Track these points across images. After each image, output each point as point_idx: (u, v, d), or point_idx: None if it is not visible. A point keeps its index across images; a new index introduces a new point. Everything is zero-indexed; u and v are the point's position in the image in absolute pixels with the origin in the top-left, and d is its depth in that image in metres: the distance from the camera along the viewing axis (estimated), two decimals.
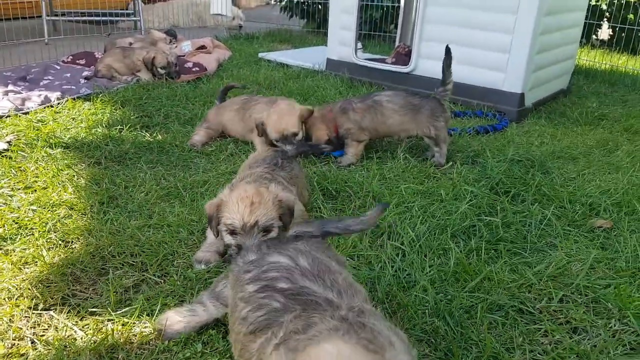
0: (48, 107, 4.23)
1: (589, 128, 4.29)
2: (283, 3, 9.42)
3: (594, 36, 8.30)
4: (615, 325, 1.90)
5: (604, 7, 7.73)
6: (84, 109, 4.22)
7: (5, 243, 2.30)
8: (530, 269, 2.18)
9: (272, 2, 12.52)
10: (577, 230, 2.57)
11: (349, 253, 2.27)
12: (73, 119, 4.00)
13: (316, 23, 9.16)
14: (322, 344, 1.04)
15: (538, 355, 1.74)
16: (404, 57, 5.82)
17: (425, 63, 4.87)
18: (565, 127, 4.31)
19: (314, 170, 3.19)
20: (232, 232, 2.00)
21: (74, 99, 4.47)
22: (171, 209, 2.64)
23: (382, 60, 5.72)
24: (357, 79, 5.43)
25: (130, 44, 6.15)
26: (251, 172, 2.45)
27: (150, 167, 3.20)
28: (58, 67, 5.69)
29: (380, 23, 8.47)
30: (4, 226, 2.41)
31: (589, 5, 6.45)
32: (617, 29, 7.87)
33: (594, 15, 7.00)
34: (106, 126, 3.81)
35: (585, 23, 5.90)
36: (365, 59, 5.55)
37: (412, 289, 2.03)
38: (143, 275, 2.12)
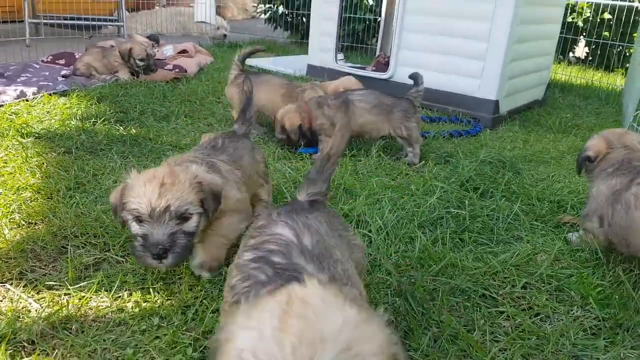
0: (23, 101, 4.18)
1: (562, 135, 4.37)
2: (267, 15, 9.49)
3: (570, 53, 8.51)
4: (577, 312, 1.91)
5: (580, 24, 7.94)
6: (59, 103, 4.18)
7: None
8: (495, 258, 2.20)
9: (257, 14, 12.62)
10: (543, 225, 2.60)
11: None
12: (47, 112, 3.95)
13: (300, 34, 9.25)
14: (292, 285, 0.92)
15: (498, 336, 1.74)
16: (384, 66, 5.89)
17: (403, 70, 4.93)
18: (538, 134, 4.38)
19: (288, 165, 3.19)
20: (139, 220, 1.69)
21: (50, 94, 4.43)
22: None
23: (363, 69, 5.78)
24: None
25: (112, 46, 6.13)
26: (178, 158, 2.07)
27: (122, 157, 3.17)
28: (37, 66, 5.64)
29: (362, 35, 8.59)
30: None
31: (566, 22, 6.64)
32: (592, 46, 8.09)
33: (569, 31, 7.19)
34: (80, 119, 3.78)
35: (561, 38, 6.06)
36: (347, 67, 5.61)
37: (376, 271, 2.03)
38: (105, 254, 2.09)
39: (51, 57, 5.98)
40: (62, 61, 5.90)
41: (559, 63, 7.91)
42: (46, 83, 4.86)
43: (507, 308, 1.89)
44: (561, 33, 5.83)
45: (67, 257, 2.03)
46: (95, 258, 2.05)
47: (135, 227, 1.71)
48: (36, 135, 3.41)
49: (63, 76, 5.24)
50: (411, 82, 3.52)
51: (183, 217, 1.70)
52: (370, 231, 2.31)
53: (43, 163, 2.96)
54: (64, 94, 4.49)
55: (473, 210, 2.62)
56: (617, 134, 2.41)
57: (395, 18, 4.94)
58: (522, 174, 3.26)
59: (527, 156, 3.68)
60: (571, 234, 2.47)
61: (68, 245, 2.13)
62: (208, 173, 1.91)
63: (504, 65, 4.35)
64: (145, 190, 1.65)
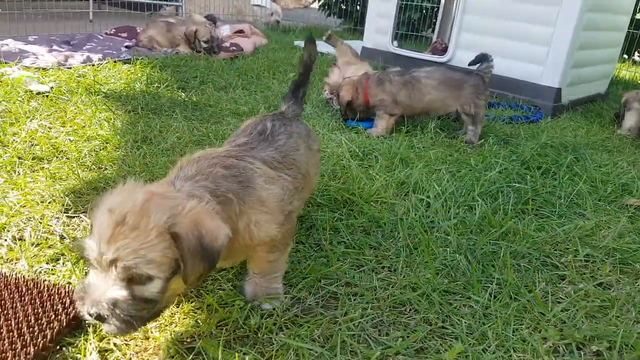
0: (90, 65, 4.36)
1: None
2: (321, 2, 9.52)
3: (636, 52, 8.16)
4: None
5: None
6: (123, 69, 4.33)
7: (42, 162, 2.37)
8: (558, 228, 2.15)
9: (310, 2, 12.66)
10: (607, 205, 2.52)
11: (372, 198, 2.27)
12: (113, 76, 4.11)
13: (353, 21, 9.24)
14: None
15: (560, 297, 1.71)
16: (441, 52, 5.82)
17: (463, 53, 4.86)
18: (600, 125, 4.23)
19: (344, 136, 3.20)
20: (87, 261, 1.20)
21: (115, 61, 4.60)
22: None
23: (419, 53, 5.72)
24: (391, 67, 5.44)
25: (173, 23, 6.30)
26: (211, 154, 1.50)
27: (185, 119, 3.26)
28: (101, 37, 5.86)
29: (418, 24, 8.50)
30: (42, 149, 2.48)
31: (634, 19, 6.36)
32: None
33: (638, 28, 6.87)
34: (144, 84, 3.91)
35: (628, 34, 5.81)
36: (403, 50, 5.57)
37: (434, 232, 2.02)
38: None
39: (114, 30, 6.20)
40: (124, 34, 6.10)
41: (623, 62, 7.60)
42: (110, 51, 5.05)
43: (569, 274, 1.85)
44: (629, 29, 5.59)
45: None
46: None
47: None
48: (103, 94, 3.55)
49: (126, 47, 5.43)
50: (466, 65, 3.46)
51: (135, 280, 1.17)
52: (428, 197, 2.30)
53: (111, 118, 3.08)
54: (127, 61, 4.65)
55: (535, 186, 2.56)
56: None
57: (457, 1, 4.86)
58: (584, 159, 3.16)
59: (590, 143, 3.57)
60: None
61: None
62: (214, 213, 1.28)
63: (570, 52, 4.22)
64: (100, 226, 1.17)
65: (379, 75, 3.49)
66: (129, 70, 4.29)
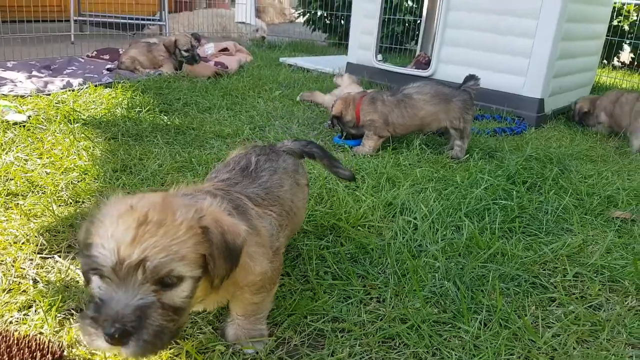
0: (69, 90, 4.30)
1: (608, 135, 4.23)
2: (306, 17, 9.54)
3: (615, 58, 8.25)
4: (632, 302, 1.83)
5: (626, 27, 7.69)
6: (104, 94, 4.28)
7: (16, 198, 2.31)
8: (546, 247, 2.12)
9: (295, 18, 12.71)
10: (594, 219, 2.51)
11: (359, 223, 2.24)
12: (93, 101, 4.05)
13: (338, 36, 9.26)
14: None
15: (551, 322, 1.68)
16: (424, 65, 5.84)
17: (445, 67, 4.87)
18: (584, 133, 4.25)
19: None
20: (100, 274, 1.07)
21: (96, 85, 4.55)
22: (184, 178, 2.64)
23: (403, 68, 5.73)
24: (376, 82, 5.45)
25: (155, 43, 6.27)
26: (189, 188, 1.41)
27: (167, 144, 3.22)
28: (82, 60, 5.81)
29: (401, 37, 8.54)
30: (16, 184, 2.42)
31: (611, 26, 6.44)
32: (638, 51, 7.82)
33: (615, 35, 6.95)
34: (125, 108, 3.86)
35: (606, 42, 5.87)
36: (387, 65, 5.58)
37: (422, 256, 1.99)
38: None
39: (96, 52, 6.16)
40: (106, 56, 6.06)
41: (603, 68, 7.68)
42: (91, 75, 5.00)
43: (559, 296, 1.82)
44: (607, 36, 5.64)
45: None
46: None
47: (95, 284, 1.09)
48: (83, 121, 3.49)
49: (108, 69, 5.38)
50: (454, 80, 3.47)
51: (164, 283, 1.07)
52: (415, 218, 2.27)
53: (90, 147, 3.02)
54: (108, 85, 4.60)
55: (521, 202, 2.54)
56: None
57: (438, 13, 4.88)
58: (569, 170, 3.16)
59: (574, 154, 3.57)
60: None
61: None
62: (229, 215, 1.27)
63: (550, 63, 4.24)
64: (115, 230, 1.05)
65: (373, 95, 3.47)
66: (109, 95, 4.24)
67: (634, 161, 3.53)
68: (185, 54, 5.34)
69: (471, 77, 3.45)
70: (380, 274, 1.89)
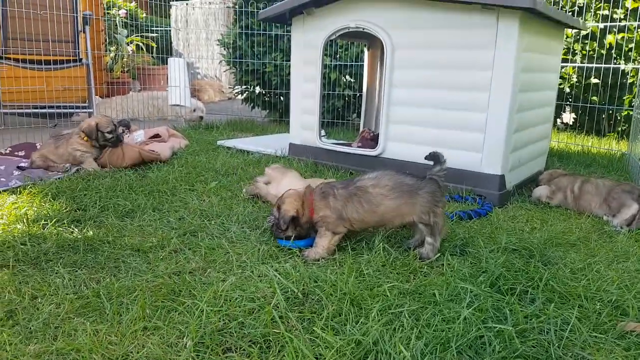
0: None
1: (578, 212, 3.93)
2: (244, 95, 9.23)
3: (558, 120, 8.34)
4: None
5: (567, 89, 7.79)
6: (7, 202, 3.60)
7: None
8: None
9: (234, 96, 12.47)
10: (605, 337, 2.05)
11: None
12: None
13: (278, 112, 8.97)
14: None
15: None
16: (370, 141, 5.52)
17: (394, 145, 4.53)
18: (553, 210, 3.93)
19: (275, 268, 2.62)
20: None
21: (0, 192, 3.87)
22: (85, 326, 2.00)
23: (348, 145, 5.37)
24: (322, 163, 5.04)
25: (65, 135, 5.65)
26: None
27: (71, 270, 2.57)
28: None
29: (343, 111, 8.34)
30: None
31: None
32: (579, 112, 7.92)
33: (558, 98, 6.99)
34: (28, 222, 3.19)
35: None
36: (331, 144, 5.20)
37: None
38: None
39: (10, 149, 5.47)
40: (21, 153, 5.39)
41: None
42: None
43: None
44: None
45: None
46: None
47: None
48: None
49: (20, 167, 4.71)
50: (404, 159, 3.04)
51: None
52: None
53: None
54: (15, 191, 3.92)
55: (516, 322, 2.06)
56: None
57: (382, 91, 4.59)
58: (555, 264, 2.75)
59: (551, 239, 3.18)
60: None
61: None
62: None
63: (507, 136, 3.96)
64: None
65: (323, 188, 2.98)
66: (13, 204, 3.57)
67: (618, 243, 3.18)
68: (108, 136, 4.76)
69: (436, 159, 2.97)
70: None
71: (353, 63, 7.96)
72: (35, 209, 3.50)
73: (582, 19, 7.39)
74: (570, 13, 7.56)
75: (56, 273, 2.53)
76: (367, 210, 2.86)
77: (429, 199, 2.82)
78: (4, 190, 3.93)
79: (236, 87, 9.38)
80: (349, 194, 2.89)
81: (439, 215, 2.82)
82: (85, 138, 4.75)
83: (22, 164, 4.85)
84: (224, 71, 12.40)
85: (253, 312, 2.14)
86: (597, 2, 7.43)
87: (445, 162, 2.93)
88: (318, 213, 2.91)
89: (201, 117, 8.91)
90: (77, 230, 3.13)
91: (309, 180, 3.78)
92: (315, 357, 1.78)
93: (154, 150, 5.25)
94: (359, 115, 8.12)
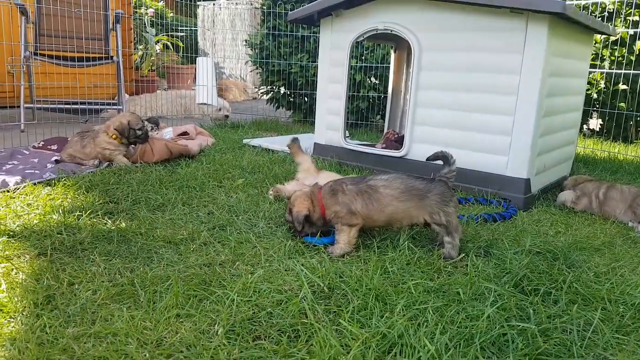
0: (4, 192, 3.75)
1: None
2: (269, 96, 9.35)
3: (584, 126, 8.25)
4: None
5: (595, 95, 7.71)
6: (42, 194, 3.75)
7: None
8: None
9: (259, 96, 12.60)
10: (628, 338, 2.07)
11: None
12: (28, 205, 3.51)
13: (302, 113, 9.06)
14: None
15: None
16: (394, 143, 5.56)
17: (419, 147, 4.57)
18: (578, 215, 3.92)
19: (302, 263, 2.69)
20: None
21: (35, 183, 4.02)
22: (121, 312, 2.10)
23: (372, 146, 5.42)
24: (346, 163, 5.10)
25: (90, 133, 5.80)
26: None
27: (106, 259, 2.68)
28: (27, 152, 5.31)
29: (367, 113, 8.39)
30: None
31: None
32: (606, 118, 7.83)
33: (585, 104, 6.94)
34: (63, 213, 3.32)
35: None
36: (355, 144, 5.26)
37: None
38: None
39: (42, 143, 5.65)
40: (54, 146, 5.56)
41: None
42: (32, 171, 4.46)
43: None
44: None
45: None
46: None
47: None
48: (10, 233, 2.94)
49: (55, 161, 4.87)
50: (424, 159, 3.11)
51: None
52: None
53: (12, 269, 2.47)
54: (49, 183, 4.07)
55: (539, 321, 2.09)
56: None
57: (409, 93, 4.63)
58: (579, 268, 2.76)
59: (576, 243, 3.19)
60: None
61: None
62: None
63: (534, 140, 3.96)
64: None
65: (332, 186, 3.06)
66: (48, 195, 3.71)
67: None
68: (139, 132, 4.90)
69: (444, 159, 3.04)
70: None
71: (378, 65, 8.01)
72: (70, 200, 3.64)
73: (611, 24, 7.31)
74: (600, 18, 7.48)
75: (92, 261, 2.64)
76: (375, 208, 2.93)
77: (438, 200, 2.89)
78: (39, 182, 4.08)
79: (261, 87, 9.50)
80: (358, 190, 2.97)
81: (451, 214, 2.89)
82: (114, 136, 4.87)
83: (57, 157, 5.01)
84: (250, 71, 12.58)
85: (281, 304, 2.21)
86: (628, 8, 7.35)
87: (454, 163, 2.99)
88: (329, 209, 2.99)
89: (227, 116, 9.05)
90: (110, 221, 3.24)
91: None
92: (342, 347, 1.84)
93: (186, 145, 5.39)
94: (383, 117, 8.16)
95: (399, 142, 5.45)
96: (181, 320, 2.09)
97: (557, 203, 4.18)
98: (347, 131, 5.55)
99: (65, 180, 4.08)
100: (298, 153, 4.40)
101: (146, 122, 5.14)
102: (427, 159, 3.19)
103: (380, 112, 8.48)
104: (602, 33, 5.16)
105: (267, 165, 5.06)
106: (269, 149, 5.96)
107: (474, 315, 2.10)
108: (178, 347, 1.89)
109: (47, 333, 1.95)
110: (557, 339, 1.99)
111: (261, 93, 9.77)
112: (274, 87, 9.14)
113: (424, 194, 2.92)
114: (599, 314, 2.17)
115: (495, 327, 2.00)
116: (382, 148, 5.35)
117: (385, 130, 6.38)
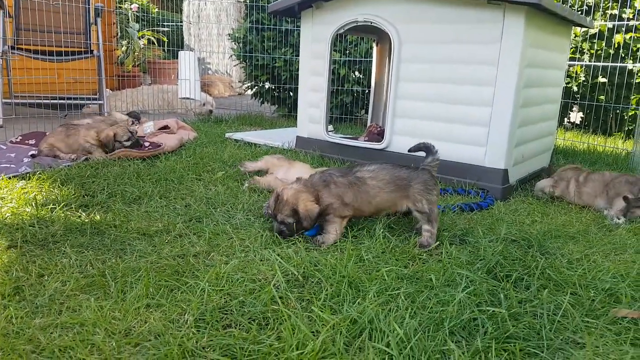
0: None
1: (581, 205, 3.95)
2: (254, 90, 9.30)
3: (565, 119, 8.32)
4: None
5: (575, 88, 7.78)
6: (17, 187, 3.69)
7: None
8: None
9: (243, 91, 12.54)
10: (597, 322, 2.09)
11: (316, 359, 1.72)
12: (2, 198, 3.45)
13: (287, 108, 9.03)
14: None
15: None
16: (377, 135, 5.56)
17: (400, 139, 4.57)
18: (555, 204, 3.95)
19: (277, 252, 2.67)
20: None
21: (10, 177, 3.95)
22: (89, 303, 2.07)
23: (355, 139, 5.42)
24: (328, 156, 5.09)
25: (88, 123, 5.75)
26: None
27: (78, 251, 2.64)
28: (4, 147, 5.22)
29: (351, 107, 8.38)
30: None
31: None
32: (586, 110, 7.91)
33: (565, 96, 7.00)
34: (37, 206, 3.28)
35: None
36: (338, 137, 5.25)
37: None
38: None
39: (20, 137, 5.58)
40: (32, 141, 5.49)
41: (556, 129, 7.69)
42: (8, 165, 4.40)
43: None
44: None
45: None
46: None
47: None
48: None
49: (31, 155, 4.80)
50: (404, 151, 3.16)
51: None
52: (389, 345, 1.78)
53: None
54: (24, 176, 4.01)
55: (510, 306, 2.10)
56: None
57: (388, 85, 4.63)
58: (553, 255, 2.78)
59: (551, 231, 3.22)
60: None
61: None
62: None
63: (511, 131, 3.99)
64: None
65: (323, 177, 3.04)
66: (22, 189, 3.65)
67: (617, 236, 3.21)
68: (127, 143, 4.87)
69: (427, 149, 3.10)
70: None
71: (362, 59, 8.01)
72: (44, 194, 3.59)
73: (591, 17, 7.38)
74: (580, 12, 7.54)
75: (63, 254, 2.60)
76: (364, 200, 2.97)
77: (422, 188, 2.94)
78: (14, 176, 4.02)
79: (246, 82, 9.45)
80: (348, 182, 2.97)
81: (433, 202, 2.93)
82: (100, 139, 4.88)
83: (33, 152, 4.94)
84: (234, 65, 12.49)
85: (254, 292, 2.20)
86: (606, 2, 7.42)
87: (437, 153, 3.05)
88: (323, 201, 2.96)
89: (211, 111, 8.99)
90: (84, 214, 3.20)
91: (318, 170, 3.81)
92: (311, 333, 1.84)
93: (155, 143, 5.34)
94: (367, 112, 8.17)
95: (381, 135, 5.45)
96: (151, 310, 2.07)
97: (535, 191, 4.21)
98: (331, 125, 5.54)
99: (40, 173, 4.02)
100: (256, 170, 4.42)
101: (135, 131, 5.08)
102: (409, 150, 3.22)
103: (365, 106, 8.48)
104: (580, 25, 5.20)
105: (248, 158, 5.03)
106: (251, 143, 5.92)
107: (445, 301, 2.10)
108: (146, 336, 1.87)
109: (13, 324, 1.92)
110: (527, 322, 2.01)
111: (245, 88, 9.72)
112: (259, 82, 9.09)
113: (408, 183, 2.96)
114: (568, 298, 2.19)
115: (466, 312, 2.01)
116: (365, 141, 5.35)
117: (369, 123, 6.38)
